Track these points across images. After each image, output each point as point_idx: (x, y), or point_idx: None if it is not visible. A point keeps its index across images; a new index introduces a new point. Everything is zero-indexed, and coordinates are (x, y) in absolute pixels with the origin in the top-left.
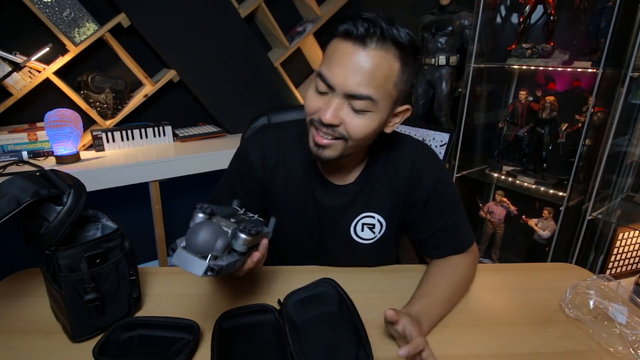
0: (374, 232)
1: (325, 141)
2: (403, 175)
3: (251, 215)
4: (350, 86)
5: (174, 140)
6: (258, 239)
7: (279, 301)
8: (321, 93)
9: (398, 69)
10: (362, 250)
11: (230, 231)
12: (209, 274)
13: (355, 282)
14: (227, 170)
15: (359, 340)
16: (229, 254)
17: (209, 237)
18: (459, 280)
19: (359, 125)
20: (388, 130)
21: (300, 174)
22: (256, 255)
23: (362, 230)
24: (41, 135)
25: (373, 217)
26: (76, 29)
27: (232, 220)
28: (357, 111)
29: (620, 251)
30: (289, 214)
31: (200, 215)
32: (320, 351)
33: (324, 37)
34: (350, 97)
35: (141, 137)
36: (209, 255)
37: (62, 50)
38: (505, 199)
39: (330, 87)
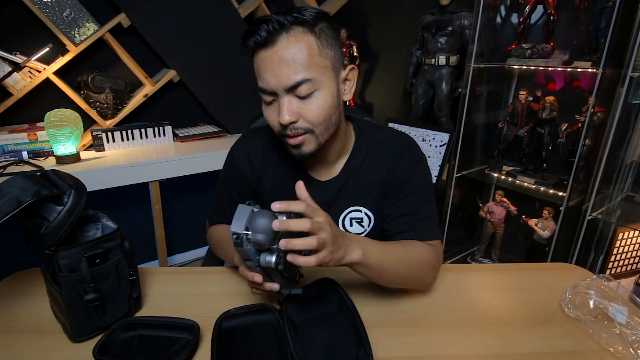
0: (363, 227)
1: (297, 140)
2: (384, 167)
3: (300, 267)
4: (284, 80)
5: (174, 140)
6: (275, 276)
7: (279, 301)
8: (270, 103)
9: (315, 41)
10: None
11: (276, 247)
12: (234, 237)
13: (355, 282)
14: (220, 179)
15: (359, 340)
16: (255, 249)
17: (263, 226)
18: (413, 256)
19: (313, 109)
20: (346, 97)
21: (286, 174)
22: (257, 277)
23: (351, 225)
24: (41, 135)
25: (360, 211)
26: (76, 29)
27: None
28: (304, 98)
29: (620, 251)
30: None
31: (283, 217)
32: (320, 351)
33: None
34: (291, 89)
35: (141, 137)
36: (249, 232)
37: (62, 50)
38: (505, 199)
39: (272, 93)
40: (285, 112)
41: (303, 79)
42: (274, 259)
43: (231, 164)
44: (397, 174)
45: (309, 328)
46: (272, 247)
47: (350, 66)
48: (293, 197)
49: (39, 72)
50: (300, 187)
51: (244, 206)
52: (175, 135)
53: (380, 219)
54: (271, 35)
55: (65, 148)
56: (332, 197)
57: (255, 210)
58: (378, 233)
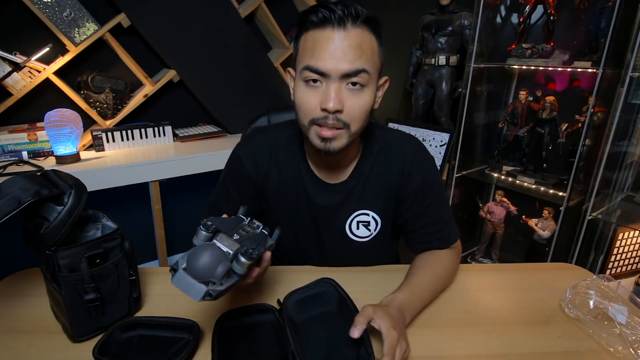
0: (369, 230)
1: (331, 133)
2: (394, 171)
3: (257, 224)
4: (345, 65)
5: (174, 140)
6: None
7: (278, 301)
8: (312, 86)
9: (376, 41)
10: (359, 248)
11: (232, 253)
12: (207, 299)
13: (355, 282)
14: (222, 176)
15: (360, 339)
16: (228, 276)
17: (209, 263)
18: (442, 274)
19: (358, 105)
20: (375, 106)
21: (293, 174)
22: (256, 271)
23: (358, 228)
24: (41, 135)
25: (367, 215)
26: (76, 29)
27: (236, 237)
28: (354, 90)
29: (620, 251)
30: (284, 214)
31: (203, 234)
32: (320, 350)
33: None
34: (346, 76)
35: (141, 137)
36: (210, 281)
37: (62, 50)
38: (505, 199)
39: (323, 75)
40: (334, 98)
41: (363, 69)
42: (244, 259)
43: (235, 163)
44: (411, 181)
45: (310, 328)
46: (233, 257)
47: (384, 78)
48: (299, 199)
49: (39, 72)
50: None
51: (179, 275)
52: (175, 135)
53: (389, 223)
54: (344, 17)
55: (65, 148)
56: (341, 200)
57: (182, 266)
58: (385, 236)
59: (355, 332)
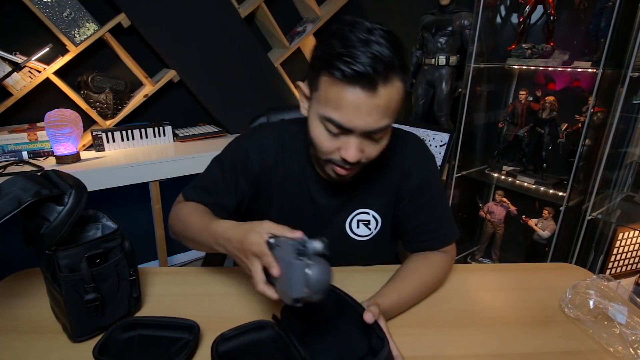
0: (369, 229)
1: (347, 172)
2: (395, 169)
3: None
4: (371, 125)
5: (174, 140)
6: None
7: (274, 316)
8: (334, 135)
9: (402, 87)
10: (359, 247)
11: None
12: (297, 304)
13: (356, 282)
14: (219, 158)
15: (369, 329)
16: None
17: (325, 286)
18: (430, 282)
19: (377, 149)
20: None
21: (298, 172)
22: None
23: (358, 227)
24: (41, 135)
25: (368, 214)
26: (76, 29)
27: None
28: (375, 138)
29: (620, 251)
30: (286, 212)
31: (319, 245)
32: (330, 350)
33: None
34: (369, 133)
35: (141, 137)
36: (305, 290)
37: (62, 50)
38: (505, 199)
39: (348, 130)
40: (355, 152)
41: (387, 125)
42: (319, 246)
43: (239, 151)
44: (411, 178)
45: (314, 334)
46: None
47: None
48: (303, 197)
49: (39, 72)
50: (370, 319)
51: (300, 264)
52: (175, 135)
53: (389, 222)
54: (375, 77)
55: (65, 148)
56: (341, 198)
57: (308, 271)
58: (386, 235)
59: (368, 316)
